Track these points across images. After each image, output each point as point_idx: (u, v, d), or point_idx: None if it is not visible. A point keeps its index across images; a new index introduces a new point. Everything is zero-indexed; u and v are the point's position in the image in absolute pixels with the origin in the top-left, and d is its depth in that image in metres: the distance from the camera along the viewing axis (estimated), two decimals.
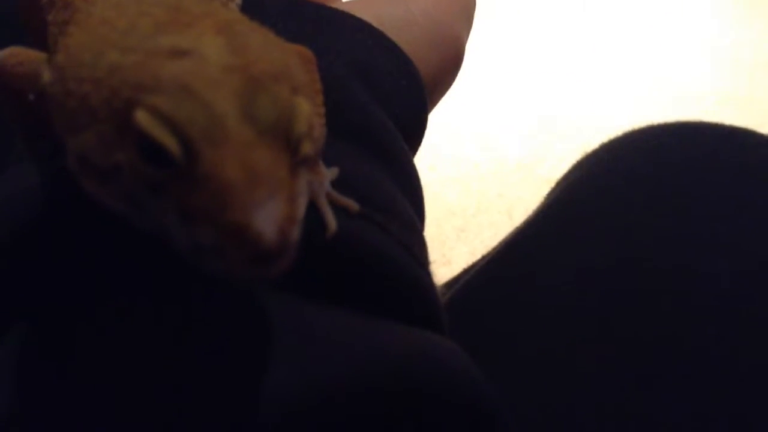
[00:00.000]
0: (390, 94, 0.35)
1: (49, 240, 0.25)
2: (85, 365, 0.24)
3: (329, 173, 0.28)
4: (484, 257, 0.53)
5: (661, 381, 0.39)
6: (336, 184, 0.28)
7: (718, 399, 0.38)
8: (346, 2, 0.39)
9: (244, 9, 0.30)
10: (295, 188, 0.21)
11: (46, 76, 0.23)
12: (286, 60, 0.22)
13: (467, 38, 0.43)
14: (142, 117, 0.20)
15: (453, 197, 1.21)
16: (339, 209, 0.28)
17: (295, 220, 0.20)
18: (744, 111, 1.33)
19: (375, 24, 0.36)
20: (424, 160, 1.13)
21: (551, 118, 1.36)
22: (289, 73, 0.22)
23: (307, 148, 0.21)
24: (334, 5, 0.37)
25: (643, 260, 0.44)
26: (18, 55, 0.26)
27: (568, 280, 0.44)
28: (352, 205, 0.28)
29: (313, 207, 0.27)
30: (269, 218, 0.19)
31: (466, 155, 1.27)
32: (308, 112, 0.21)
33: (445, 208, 1.20)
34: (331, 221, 0.27)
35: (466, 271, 0.54)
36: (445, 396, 0.26)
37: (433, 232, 1.12)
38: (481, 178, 1.25)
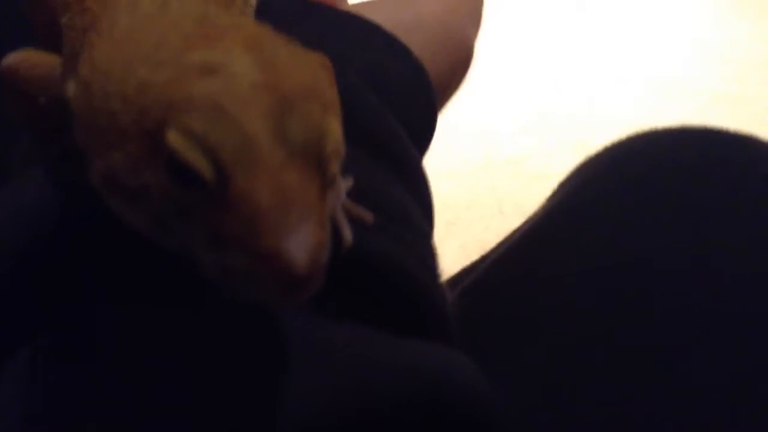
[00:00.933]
0: (400, 99, 0.35)
1: (66, 248, 0.25)
2: (104, 375, 0.23)
3: (344, 183, 0.28)
4: (483, 259, 0.52)
5: (665, 383, 0.39)
6: (350, 193, 0.28)
7: (725, 399, 0.39)
8: (354, 4, 0.39)
9: (257, 11, 0.29)
10: (325, 211, 0.20)
11: (71, 88, 0.22)
12: (315, 76, 0.22)
13: (476, 40, 0.42)
14: (174, 138, 0.19)
15: (444, 191, 1.21)
16: (353, 220, 0.27)
17: (325, 244, 0.20)
18: (736, 109, 1.34)
19: (385, 27, 0.36)
20: None
21: (544, 113, 1.36)
22: (318, 89, 0.21)
23: (335, 169, 0.21)
24: (342, 7, 0.36)
25: (646, 263, 0.44)
26: (30, 58, 0.26)
27: (571, 282, 0.44)
28: (368, 216, 0.28)
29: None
30: (301, 244, 0.19)
31: (458, 149, 1.27)
32: (338, 133, 0.21)
33: (435, 202, 1.20)
34: (348, 234, 0.26)
35: (466, 272, 0.54)
36: (458, 412, 0.26)
37: None
38: (472, 173, 1.25)
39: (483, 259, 0.54)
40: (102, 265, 0.25)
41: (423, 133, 0.37)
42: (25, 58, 0.26)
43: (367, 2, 0.38)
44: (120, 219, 0.22)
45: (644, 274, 0.44)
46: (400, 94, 0.35)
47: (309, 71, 0.21)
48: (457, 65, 0.40)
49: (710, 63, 1.47)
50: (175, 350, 0.24)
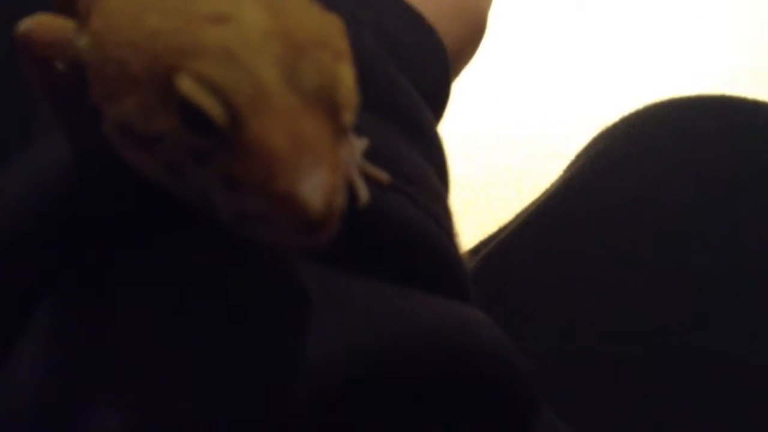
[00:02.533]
0: (415, 64, 0.35)
1: (84, 204, 0.25)
2: (123, 330, 0.24)
3: (359, 144, 0.28)
4: (503, 229, 0.52)
5: (688, 355, 0.39)
6: (365, 154, 0.28)
7: (744, 375, 0.39)
8: None
9: None
10: (339, 157, 0.20)
11: (83, 41, 0.23)
12: (326, 26, 0.22)
13: (490, 9, 0.42)
14: (185, 83, 0.19)
15: (460, 170, 1.21)
16: (369, 180, 0.27)
17: (340, 188, 0.20)
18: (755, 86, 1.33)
19: None
20: None
21: (560, 91, 1.35)
22: (330, 39, 0.21)
23: (348, 118, 0.21)
24: None
25: (667, 232, 0.44)
26: (45, 23, 0.26)
27: (590, 251, 0.44)
28: (383, 176, 0.28)
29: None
30: (316, 186, 0.19)
31: (474, 128, 1.27)
32: (351, 81, 0.21)
33: (452, 181, 1.19)
34: (364, 192, 0.26)
35: (483, 244, 0.54)
36: (481, 365, 0.26)
37: None
38: (489, 152, 1.25)
39: (501, 230, 0.54)
40: (119, 218, 0.25)
41: (438, 100, 0.37)
42: (40, 23, 0.26)
43: None
44: (135, 170, 0.22)
45: (665, 242, 0.44)
46: (414, 58, 0.35)
47: (320, 22, 0.22)
48: (471, 33, 0.40)
49: (733, 41, 1.45)
50: (190, 296, 0.24)
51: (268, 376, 0.23)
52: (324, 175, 0.19)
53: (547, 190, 0.51)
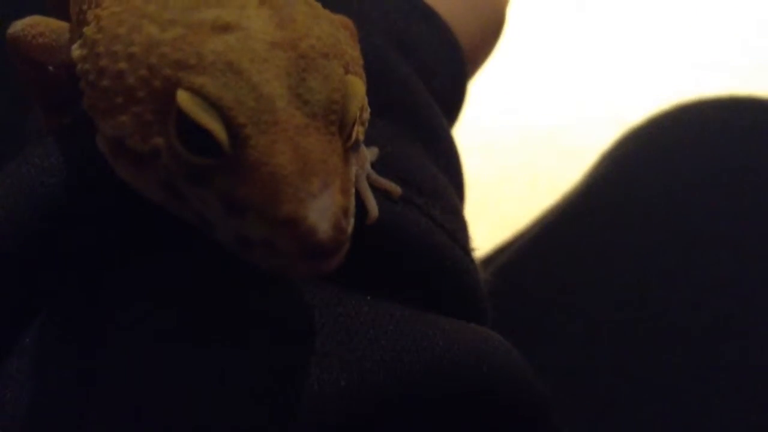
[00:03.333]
0: (429, 65, 0.33)
1: (74, 216, 0.24)
2: (115, 353, 0.22)
3: (369, 154, 0.26)
4: (517, 237, 0.51)
5: (707, 364, 0.38)
6: (376, 164, 0.27)
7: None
8: None
9: None
10: (349, 176, 0.19)
11: (77, 50, 0.21)
12: (336, 34, 0.20)
13: (509, 5, 0.40)
14: (184, 99, 0.18)
15: (474, 168, 1.19)
16: (380, 192, 0.26)
17: (349, 211, 0.19)
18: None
19: None
20: None
21: (577, 89, 1.33)
22: (340, 48, 0.20)
23: (359, 133, 0.19)
24: None
25: (693, 237, 0.42)
26: (38, 25, 0.25)
27: (613, 258, 0.43)
28: (394, 188, 0.26)
29: None
30: (324, 211, 0.18)
31: (489, 126, 1.25)
32: (362, 93, 0.20)
33: (466, 178, 1.18)
34: (373, 206, 0.25)
35: (499, 251, 0.52)
36: (496, 390, 0.25)
37: None
38: (503, 149, 1.23)
39: (517, 237, 0.52)
40: (111, 230, 0.24)
41: (453, 102, 0.35)
42: (33, 25, 0.25)
43: None
44: (129, 186, 0.21)
45: (691, 248, 0.43)
46: (428, 60, 0.33)
47: (329, 29, 0.20)
48: (488, 31, 0.38)
49: (750, 36, 1.43)
50: (187, 319, 0.22)
51: (271, 408, 0.22)
52: (333, 197, 0.18)
53: (568, 195, 0.50)
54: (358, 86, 0.20)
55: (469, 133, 1.19)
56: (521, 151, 1.23)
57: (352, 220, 0.19)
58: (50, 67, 0.26)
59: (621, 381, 0.39)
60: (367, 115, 0.20)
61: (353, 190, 0.20)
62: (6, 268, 0.23)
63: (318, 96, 0.19)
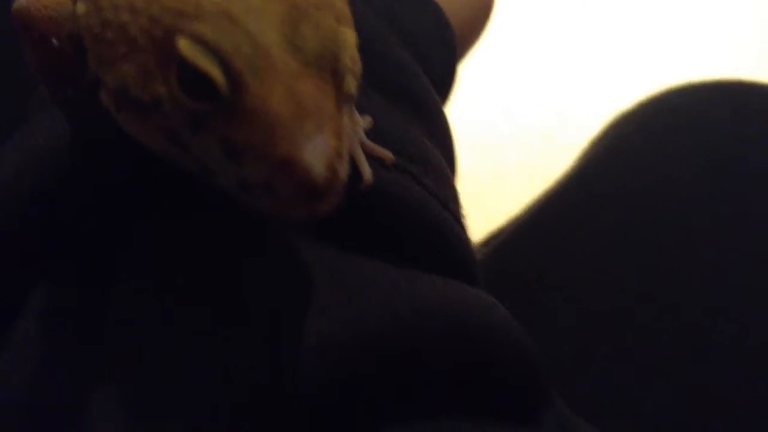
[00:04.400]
0: (421, 45, 0.34)
1: (82, 181, 0.25)
2: (119, 319, 0.23)
3: (363, 122, 0.27)
4: (513, 220, 0.52)
5: (703, 347, 0.38)
6: (370, 133, 0.27)
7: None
8: None
9: None
10: (342, 123, 0.20)
11: (81, 7, 0.22)
12: None
13: None
14: (184, 45, 0.19)
15: (469, 163, 1.19)
16: (373, 160, 0.27)
17: (343, 155, 0.19)
18: None
19: None
20: None
21: (574, 84, 1.34)
22: (330, 1, 0.21)
23: (351, 84, 0.20)
24: None
25: (683, 221, 0.43)
26: None
27: (605, 242, 0.43)
28: (387, 155, 0.27)
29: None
30: (318, 152, 0.19)
31: (485, 120, 1.25)
32: (353, 43, 0.21)
33: (460, 173, 1.18)
34: (367, 170, 0.26)
35: (492, 237, 0.53)
36: (488, 346, 0.25)
37: None
38: (499, 144, 1.23)
39: (510, 222, 0.53)
40: (119, 191, 0.25)
41: (444, 80, 0.36)
42: None
43: None
44: (134, 140, 0.22)
45: (681, 231, 0.43)
46: (421, 40, 0.34)
47: None
48: (478, 12, 0.39)
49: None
50: (190, 284, 0.23)
51: (274, 360, 0.23)
52: (326, 139, 0.19)
53: (559, 180, 0.50)
54: (349, 37, 0.21)
55: (465, 127, 1.20)
56: (517, 147, 1.24)
57: (346, 165, 0.20)
58: (54, 41, 0.27)
59: (619, 366, 0.40)
60: (359, 68, 0.21)
61: (346, 138, 0.20)
62: (9, 236, 0.24)
63: (311, 44, 0.20)
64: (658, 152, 0.46)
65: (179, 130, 0.20)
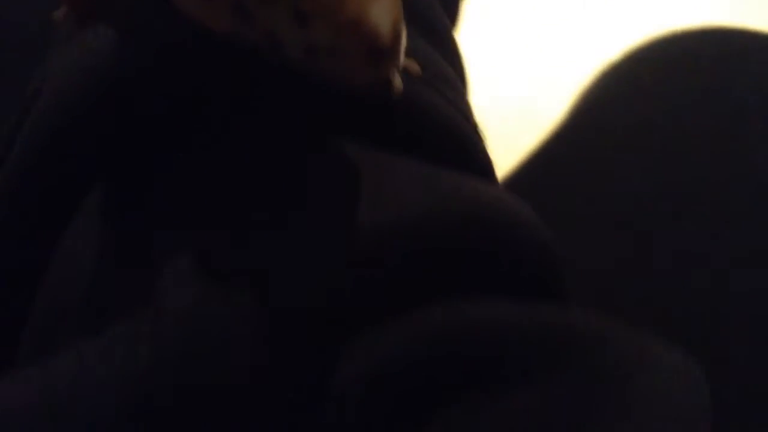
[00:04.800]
0: None
1: (138, 98, 0.25)
2: (167, 207, 0.24)
3: None
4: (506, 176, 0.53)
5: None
6: None
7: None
8: None
9: None
10: None
11: None
12: None
13: None
14: None
15: None
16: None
17: (402, 21, 0.21)
18: None
19: None
20: None
21: (560, 63, 1.35)
22: None
23: None
24: None
25: (677, 159, 0.44)
26: None
27: (603, 196, 0.44)
28: (415, 67, 0.28)
29: None
30: (383, 13, 0.20)
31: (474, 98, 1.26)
32: None
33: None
34: (397, 80, 0.27)
35: None
36: (517, 236, 0.26)
37: None
38: (485, 123, 1.24)
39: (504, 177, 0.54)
40: (170, 113, 0.26)
41: (451, 5, 0.37)
42: None
43: None
44: (195, 23, 0.22)
45: (670, 180, 0.44)
46: None
47: None
48: None
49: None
50: (238, 176, 0.24)
51: (319, 250, 0.23)
52: (390, 3, 0.20)
53: (552, 132, 0.52)
54: None
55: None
56: (495, 120, 1.25)
57: (404, 33, 0.21)
58: None
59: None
60: None
61: (400, 12, 0.21)
62: (68, 137, 0.25)
63: None
64: (648, 96, 0.47)
65: (246, 1, 0.21)
